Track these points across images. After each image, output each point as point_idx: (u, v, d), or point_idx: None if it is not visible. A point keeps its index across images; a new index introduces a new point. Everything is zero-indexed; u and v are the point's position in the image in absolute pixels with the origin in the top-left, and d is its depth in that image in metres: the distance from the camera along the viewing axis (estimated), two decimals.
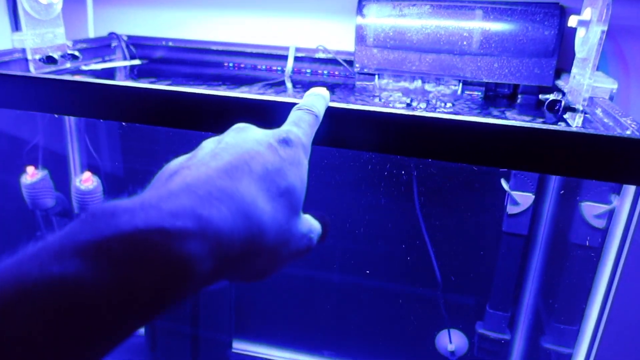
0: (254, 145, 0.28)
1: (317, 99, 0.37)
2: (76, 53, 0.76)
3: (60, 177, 0.85)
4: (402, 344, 0.87)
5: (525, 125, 0.38)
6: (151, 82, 0.60)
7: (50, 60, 0.72)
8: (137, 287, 0.18)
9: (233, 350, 0.90)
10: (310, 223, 0.30)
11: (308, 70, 0.82)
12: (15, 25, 0.79)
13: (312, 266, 0.87)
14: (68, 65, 0.75)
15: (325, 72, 0.82)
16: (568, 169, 0.38)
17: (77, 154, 0.89)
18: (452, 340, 0.80)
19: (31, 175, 0.78)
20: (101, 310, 0.17)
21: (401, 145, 0.41)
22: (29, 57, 0.71)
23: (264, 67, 0.84)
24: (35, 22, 0.71)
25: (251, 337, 0.93)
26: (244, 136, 0.29)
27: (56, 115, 0.86)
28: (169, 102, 0.45)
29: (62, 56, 0.74)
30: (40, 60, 0.72)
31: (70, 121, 0.88)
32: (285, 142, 0.29)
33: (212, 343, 0.86)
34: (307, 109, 0.35)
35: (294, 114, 0.34)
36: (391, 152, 0.42)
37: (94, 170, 0.83)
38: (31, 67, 0.71)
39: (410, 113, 0.40)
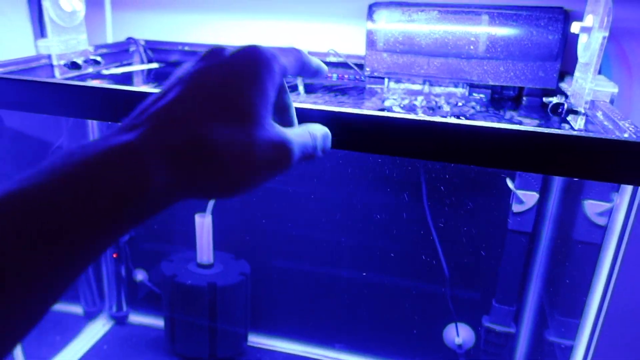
0: (198, 70, 0.30)
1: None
2: (98, 58, 0.79)
3: None
4: (410, 337, 0.89)
5: (531, 130, 0.41)
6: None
7: (74, 65, 0.76)
8: (99, 194, 0.22)
9: (248, 344, 0.94)
10: (285, 133, 0.30)
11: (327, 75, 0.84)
12: (41, 32, 0.82)
13: (324, 263, 0.90)
14: (90, 70, 0.79)
15: (335, 75, 0.84)
16: (570, 170, 0.41)
17: None
18: (459, 334, 0.83)
19: None
20: (62, 219, 0.21)
21: (411, 148, 0.44)
22: (54, 62, 0.74)
23: None
24: (59, 29, 0.74)
25: (265, 331, 0.96)
26: (203, 64, 0.30)
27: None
28: None
29: (85, 61, 0.78)
30: (65, 65, 0.75)
31: (92, 123, 0.91)
32: (246, 56, 0.30)
33: (229, 336, 0.89)
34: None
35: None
36: (402, 155, 0.45)
37: None
38: (56, 73, 0.74)
39: (419, 118, 0.43)
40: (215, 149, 0.27)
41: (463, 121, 0.42)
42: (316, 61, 0.36)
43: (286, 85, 0.37)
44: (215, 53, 0.31)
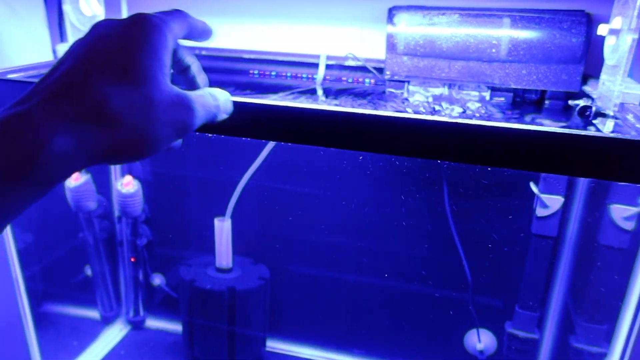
0: (90, 40, 0.31)
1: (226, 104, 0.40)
2: None
3: (102, 181, 0.89)
4: (431, 343, 0.89)
5: (559, 131, 0.40)
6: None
7: None
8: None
9: (267, 349, 0.93)
10: (182, 91, 0.32)
11: (343, 79, 0.84)
12: (60, 36, 0.82)
13: (344, 267, 0.89)
14: None
15: (350, 79, 0.84)
16: (600, 172, 0.41)
17: None
18: (480, 340, 0.82)
19: (75, 179, 0.82)
20: None
21: (433, 149, 0.43)
22: None
23: (289, 74, 0.86)
24: (80, 33, 0.75)
25: (284, 336, 0.95)
26: (92, 34, 0.32)
27: None
28: None
29: None
30: None
31: None
32: (133, 22, 0.32)
33: (248, 341, 0.88)
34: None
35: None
36: (425, 157, 0.45)
37: (135, 175, 0.86)
38: None
39: (442, 119, 0.42)
40: (114, 112, 0.28)
41: (488, 122, 0.42)
42: (202, 22, 0.39)
43: (184, 48, 0.38)
44: (104, 24, 0.32)
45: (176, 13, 0.36)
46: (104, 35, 0.31)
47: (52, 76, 0.29)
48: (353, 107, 0.48)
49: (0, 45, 0.75)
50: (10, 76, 0.60)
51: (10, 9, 0.76)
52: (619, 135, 0.39)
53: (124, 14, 0.88)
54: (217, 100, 0.36)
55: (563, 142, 0.41)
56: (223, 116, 0.38)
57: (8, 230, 0.76)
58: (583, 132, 0.40)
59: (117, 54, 0.30)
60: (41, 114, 0.26)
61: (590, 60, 0.70)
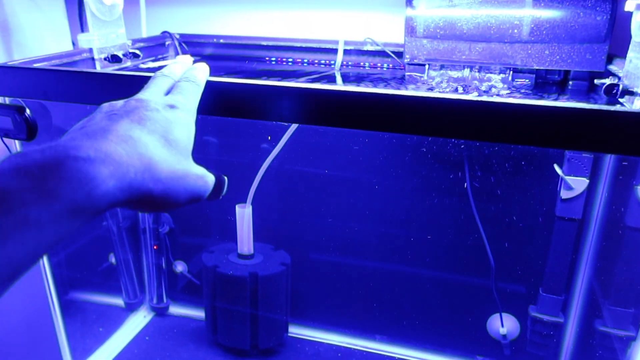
0: (144, 110, 0.36)
1: (199, 71, 0.45)
2: (137, 52, 0.80)
3: None
4: (453, 328, 0.88)
5: (587, 107, 0.39)
6: None
7: (115, 59, 0.76)
8: (52, 193, 0.25)
9: (289, 334, 0.94)
10: (204, 171, 0.38)
11: (361, 64, 0.83)
12: (81, 26, 0.83)
13: (365, 253, 0.89)
14: (129, 63, 0.79)
15: (369, 64, 0.83)
16: (629, 148, 0.40)
17: None
18: (504, 324, 0.81)
19: None
20: (26, 210, 0.24)
21: (455, 128, 0.43)
22: (95, 56, 0.75)
23: (307, 61, 0.86)
24: (100, 23, 0.75)
25: (306, 322, 0.96)
26: (137, 103, 0.37)
27: None
28: (222, 92, 0.47)
29: (124, 55, 0.78)
30: (105, 59, 0.76)
31: None
32: (172, 107, 0.38)
33: (270, 327, 0.89)
34: (189, 80, 0.43)
35: (179, 86, 0.43)
36: (454, 137, 0.44)
37: None
38: (97, 66, 0.75)
39: (465, 98, 0.42)
40: (160, 173, 0.33)
41: (514, 100, 0.41)
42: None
43: None
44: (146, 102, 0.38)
45: (199, 89, 0.44)
46: (143, 108, 0.36)
47: (113, 123, 0.33)
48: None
49: (22, 36, 0.76)
50: (36, 65, 0.60)
51: (31, 1, 0.77)
52: None
53: (142, 2, 0.89)
54: (212, 181, 0.40)
55: (590, 118, 0.40)
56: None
57: None
58: (611, 108, 0.40)
59: (157, 128, 0.35)
60: (99, 160, 0.28)
61: (615, 39, 0.68)
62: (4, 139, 0.65)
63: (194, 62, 0.49)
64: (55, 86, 0.57)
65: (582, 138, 0.41)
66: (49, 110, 0.72)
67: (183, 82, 0.43)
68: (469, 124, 0.43)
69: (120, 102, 0.38)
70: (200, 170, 0.38)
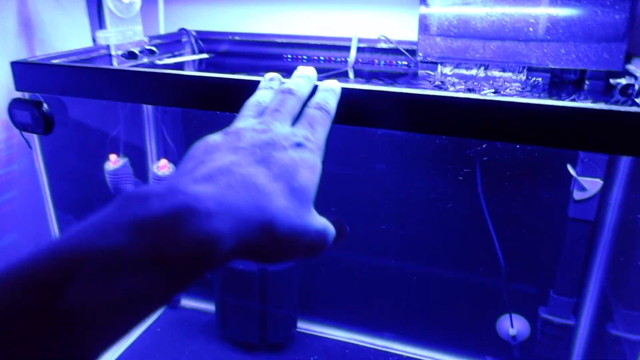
0: (269, 147, 0.31)
1: (330, 95, 0.39)
2: (153, 48, 0.81)
3: (139, 164, 0.91)
4: (463, 328, 0.88)
5: (599, 108, 0.39)
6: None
7: (131, 55, 0.78)
8: (171, 258, 0.22)
9: (298, 330, 0.94)
10: (326, 223, 0.33)
11: (375, 61, 0.83)
12: (99, 23, 0.85)
13: (375, 251, 0.89)
14: (145, 60, 0.80)
15: (382, 62, 0.83)
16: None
17: (154, 142, 0.96)
18: (513, 325, 0.81)
19: (113, 162, 0.84)
20: (140, 277, 0.21)
21: (466, 127, 0.43)
22: (113, 53, 0.76)
23: (322, 58, 0.86)
24: (117, 20, 0.77)
25: (315, 318, 0.97)
26: (263, 137, 0.32)
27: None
28: (234, 89, 0.48)
29: (140, 51, 0.80)
30: (122, 55, 0.77)
31: (148, 112, 0.93)
32: (299, 145, 0.32)
33: (279, 321, 0.90)
34: (321, 108, 0.37)
35: (308, 114, 0.36)
36: (463, 136, 0.44)
37: (170, 158, 0.89)
38: (114, 62, 0.77)
39: (479, 97, 0.42)
40: (279, 232, 0.28)
41: (528, 100, 0.41)
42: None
43: None
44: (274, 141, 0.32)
45: (330, 119, 0.38)
46: (271, 144, 0.32)
47: (230, 162, 0.29)
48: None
49: (45, 33, 0.77)
50: (54, 61, 0.62)
51: None
52: None
53: (160, 1, 0.90)
54: (333, 233, 0.35)
55: (605, 118, 0.40)
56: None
57: (52, 212, 0.80)
58: (625, 108, 0.39)
59: (283, 173, 0.30)
60: (219, 215, 0.24)
61: (634, 38, 0.67)
62: (23, 132, 0.67)
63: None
64: (72, 82, 0.58)
65: (593, 139, 0.40)
66: (66, 105, 0.74)
67: (313, 109, 0.37)
68: (479, 123, 0.43)
69: (248, 131, 0.33)
70: (321, 224, 0.32)
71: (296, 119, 0.36)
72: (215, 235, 0.23)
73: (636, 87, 0.57)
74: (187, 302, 1.03)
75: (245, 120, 0.35)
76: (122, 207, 0.22)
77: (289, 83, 0.39)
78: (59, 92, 0.60)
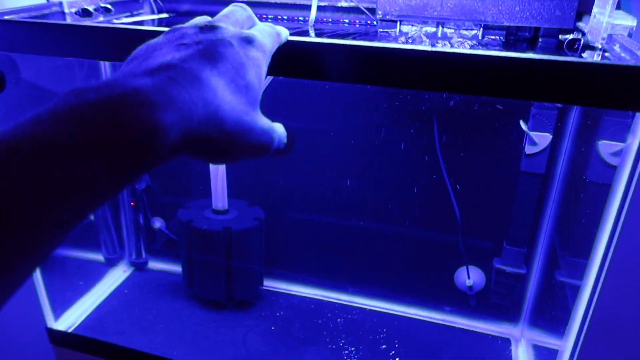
0: (220, 42, 0.31)
1: (282, 29, 0.40)
2: (109, 6, 0.79)
3: None
4: (422, 281, 0.92)
5: (546, 58, 0.40)
6: None
7: (85, 13, 0.75)
8: (109, 144, 0.21)
9: (264, 287, 0.96)
10: (272, 124, 0.34)
11: (336, 20, 0.83)
12: None
13: (336, 209, 0.91)
14: (101, 18, 0.78)
15: (343, 20, 0.83)
16: (586, 99, 0.41)
17: None
18: (470, 276, 0.84)
19: None
20: (74, 164, 0.20)
21: (426, 80, 0.44)
22: (66, 10, 0.74)
23: (286, 17, 0.85)
24: None
25: (280, 276, 0.99)
26: (208, 35, 0.31)
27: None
28: None
29: (95, 9, 0.77)
30: (76, 13, 0.75)
31: (106, 70, 0.91)
32: (249, 42, 0.33)
33: (245, 279, 0.92)
34: (270, 27, 0.38)
35: (260, 25, 0.38)
36: (415, 88, 0.45)
37: None
38: (68, 20, 0.74)
39: (433, 49, 0.43)
40: (225, 125, 0.28)
41: (477, 51, 0.42)
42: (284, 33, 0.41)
43: None
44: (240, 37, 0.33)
45: (278, 38, 0.39)
46: (234, 38, 0.32)
47: (179, 53, 0.29)
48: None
49: None
50: (5, 17, 0.60)
51: None
52: (590, 60, 0.39)
53: None
54: (280, 137, 0.36)
55: (545, 68, 0.41)
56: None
57: None
58: (561, 58, 0.41)
59: (243, 70, 0.31)
60: (164, 102, 0.24)
61: None
62: None
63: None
64: (23, 39, 0.57)
65: (537, 88, 0.42)
66: (16, 63, 0.72)
67: (263, 24, 0.38)
68: (434, 75, 0.44)
69: (191, 28, 0.32)
70: (267, 124, 0.33)
71: None
72: (157, 123, 0.23)
73: (582, 41, 0.58)
74: (154, 264, 1.03)
75: (190, 23, 0.35)
76: (59, 99, 0.22)
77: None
78: (8, 48, 0.59)
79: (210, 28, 0.32)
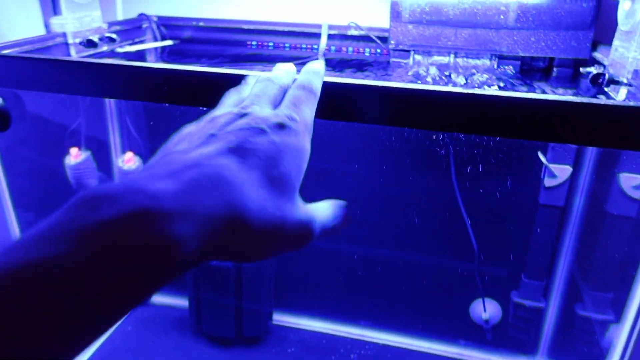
0: (250, 131, 0.28)
1: (314, 76, 0.37)
2: (113, 36, 0.77)
3: (103, 157, 0.87)
4: (437, 313, 0.90)
5: (572, 100, 0.39)
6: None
7: (90, 43, 0.73)
8: (120, 268, 0.20)
9: (273, 322, 0.94)
10: (312, 213, 0.30)
11: (343, 49, 0.82)
12: (54, 9, 0.80)
13: (349, 240, 0.89)
14: (105, 48, 0.76)
15: (352, 49, 0.82)
16: (614, 140, 0.40)
17: (118, 135, 0.91)
18: (486, 309, 0.83)
19: (75, 156, 0.80)
20: (86, 290, 0.19)
21: (442, 121, 0.42)
22: (70, 41, 0.72)
23: (288, 45, 0.84)
24: (73, 5, 0.72)
25: (290, 310, 0.96)
26: (239, 122, 0.29)
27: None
28: (200, 82, 0.45)
29: (100, 39, 0.75)
30: (80, 43, 0.73)
31: (110, 103, 0.89)
32: (283, 127, 0.29)
33: (254, 315, 0.89)
34: (304, 88, 0.34)
35: (291, 95, 0.34)
36: (433, 129, 0.44)
37: (135, 150, 0.85)
38: (72, 51, 0.72)
39: (448, 90, 0.41)
40: (251, 227, 0.25)
41: (497, 92, 0.41)
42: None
43: None
44: (261, 118, 0.29)
45: (315, 99, 0.35)
46: (257, 129, 0.28)
47: (192, 153, 0.26)
48: (357, 77, 0.47)
49: None
50: (4, 52, 0.58)
51: None
52: (633, 103, 0.38)
53: None
54: (336, 217, 0.33)
55: (576, 110, 0.40)
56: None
57: (11, 211, 0.75)
58: (596, 101, 0.39)
59: (269, 157, 0.27)
60: (179, 210, 0.22)
61: (600, 26, 0.68)
62: None
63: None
64: (29, 75, 0.54)
65: (567, 131, 0.41)
66: (22, 98, 0.70)
67: (296, 89, 0.34)
68: (452, 117, 0.42)
69: (223, 117, 0.30)
70: (305, 215, 0.29)
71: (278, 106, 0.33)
72: (174, 238, 0.21)
73: (606, 76, 0.58)
74: (158, 298, 1.00)
75: (223, 108, 0.32)
76: (72, 212, 0.20)
77: (268, 74, 0.37)
78: (14, 85, 0.56)
79: (241, 116, 0.30)
